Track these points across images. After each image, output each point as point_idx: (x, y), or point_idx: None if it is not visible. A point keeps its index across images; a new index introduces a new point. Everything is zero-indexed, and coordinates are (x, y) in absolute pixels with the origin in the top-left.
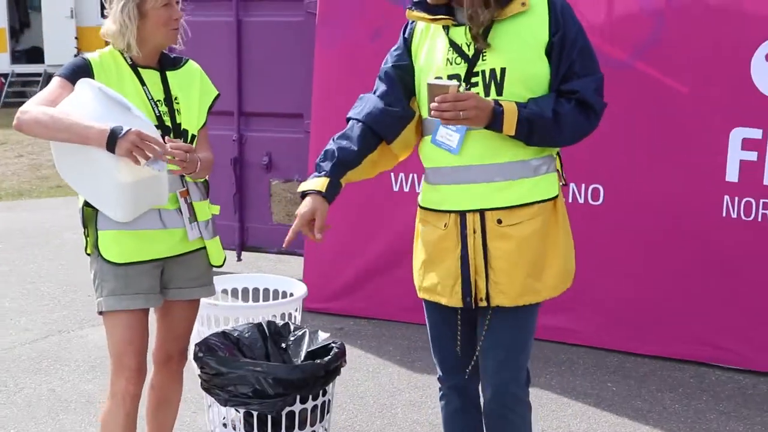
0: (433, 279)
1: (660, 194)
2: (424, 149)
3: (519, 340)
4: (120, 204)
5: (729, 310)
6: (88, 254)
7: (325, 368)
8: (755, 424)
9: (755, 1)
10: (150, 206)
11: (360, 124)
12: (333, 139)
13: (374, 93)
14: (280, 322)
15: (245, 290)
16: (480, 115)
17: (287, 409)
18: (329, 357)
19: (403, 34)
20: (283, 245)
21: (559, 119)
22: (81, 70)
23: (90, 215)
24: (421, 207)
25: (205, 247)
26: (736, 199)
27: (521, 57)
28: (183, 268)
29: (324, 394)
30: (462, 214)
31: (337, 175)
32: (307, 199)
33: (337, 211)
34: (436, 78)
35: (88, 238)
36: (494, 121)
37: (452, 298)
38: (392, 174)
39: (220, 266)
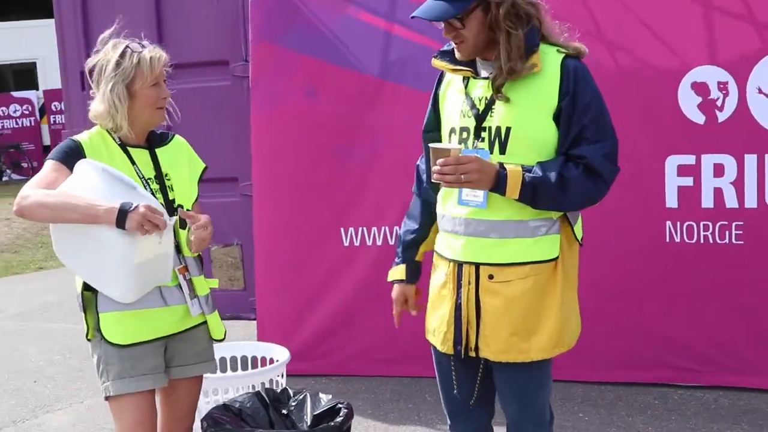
0: (433, 322)
1: (606, 223)
2: (440, 196)
3: (527, 392)
4: (125, 285)
5: (681, 331)
6: (89, 339)
7: (339, 430)
8: None
9: (679, 34)
10: (155, 285)
11: (417, 198)
12: (404, 221)
13: (423, 158)
14: (277, 388)
15: (222, 359)
16: (483, 178)
17: None
18: (341, 418)
19: (436, 88)
20: (395, 325)
21: (565, 184)
22: (73, 153)
23: (90, 299)
24: (434, 251)
25: (205, 322)
26: (678, 223)
27: (527, 118)
28: (186, 345)
29: None
30: (460, 265)
31: (411, 257)
32: (396, 287)
33: (288, 272)
34: (440, 142)
35: (88, 323)
36: (498, 185)
37: (444, 345)
38: (342, 229)
39: (221, 340)
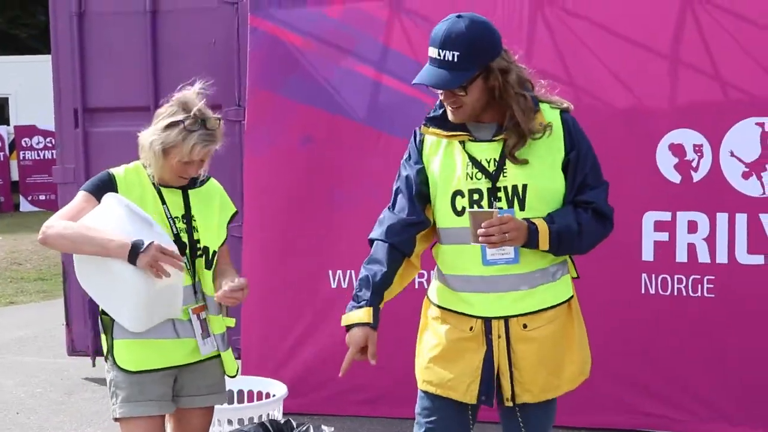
0: (446, 375)
1: (585, 272)
2: (445, 257)
3: (547, 424)
4: (134, 315)
5: (653, 378)
6: (106, 361)
7: None
8: None
9: (658, 98)
10: (163, 319)
11: (385, 244)
12: (364, 266)
13: (391, 209)
14: (281, 420)
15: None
16: (520, 235)
17: None
18: None
19: (414, 142)
20: (340, 374)
21: (582, 230)
22: (105, 186)
23: (108, 323)
24: (439, 306)
25: (219, 355)
26: (653, 276)
27: (541, 173)
28: (197, 375)
29: None
30: (487, 320)
31: (376, 302)
32: (356, 330)
33: (274, 312)
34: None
35: (105, 345)
36: (531, 239)
37: (466, 395)
38: (330, 272)
39: (234, 377)
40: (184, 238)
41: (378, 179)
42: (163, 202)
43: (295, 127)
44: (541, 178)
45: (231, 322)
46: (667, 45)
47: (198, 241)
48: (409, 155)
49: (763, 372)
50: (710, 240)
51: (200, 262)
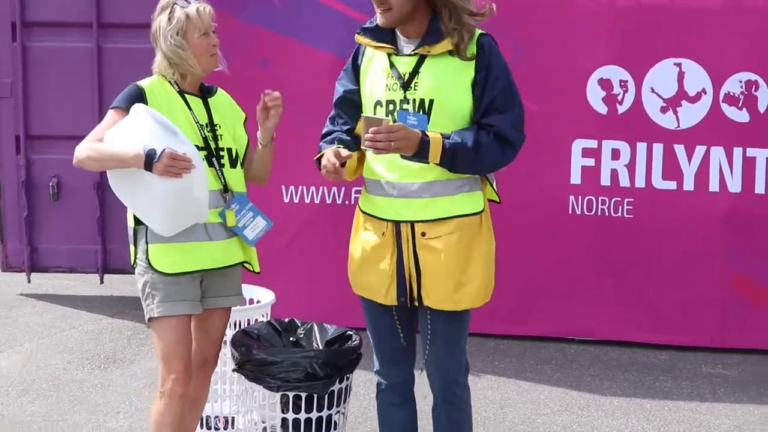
0: (369, 279)
1: (516, 196)
2: (366, 162)
3: (455, 335)
4: (163, 219)
5: (578, 291)
6: (134, 267)
7: (354, 351)
8: (621, 381)
9: (592, 37)
10: (192, 223)
11: (339, 132)
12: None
13: (331, 119)
14: (285, 319)
15: None
16: (409, 144)
17: (331, 388)
18: (356, 342)
19: (353, 60)
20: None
21: (479, 150)
22: (135, 97)
23: (140, 232)
24: (362, 211)
25: (242, 262)
26: (579, 197)
27: (449, 91)
28: (223, 279)
29: (349, 378)
30: (397, 224)
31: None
32: (328, 150)
33: None
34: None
35: (137, 254)
36: (420, 150)
37: (387, 297)
38: (283, 186)
39: (258, 273)
40: (211, 144)
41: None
42: (190, 109)
43: (252, 50)
44: (449, 95)
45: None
46: None
47: (222, 148)
48: (346, 71)
49: (668, 285)
50: (630, 166)
51: (226, 164)
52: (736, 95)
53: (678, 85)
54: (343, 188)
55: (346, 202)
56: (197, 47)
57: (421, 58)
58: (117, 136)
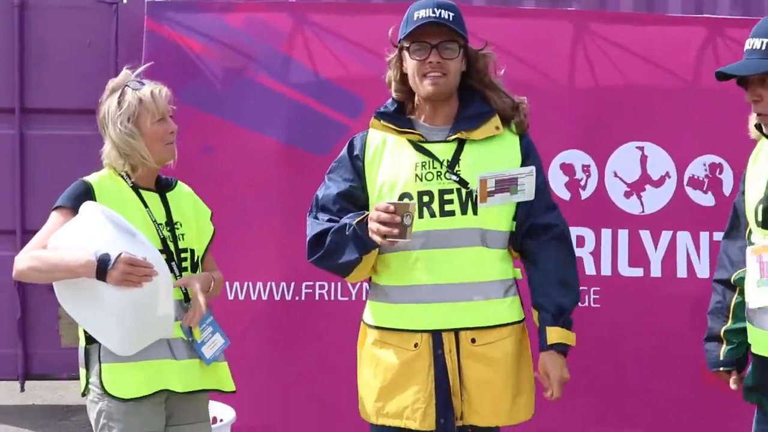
0: (399, 403)
1: None
2: (387, 267)
3: None
4: (122, 335)
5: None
6: (84, 395)
7: None
8: None
9: (553, 121)
10: (155, 338)
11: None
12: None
13: (328, 220)
14: None
15: None
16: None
17: None
18: None
19: (350, 152)
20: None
21: (566, 286)
22: (82, 195)
23: (93, 351)
24: (377, 327)
25: (207, 390)
26: None
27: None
28: (189, 404)
29: None
30: (436, 334)
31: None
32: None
33: None
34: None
35: (89, 378)
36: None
37: (425, 422)
38: (227, 283)
39: (234, 392)
40: (171, 246)
41: (278, 189)
42: (146, 206)
43: (195, 136)
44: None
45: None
46: (565, 73)
47: (184, 249)
48: (342, 166)
49: (638, 376)
50: (596, 253)
51: (188, 267)
52: (701, 178)
53: (641, 169)
54: (293, 283)
55: (297, 298)
56: (151, 135)
57: (460, 144)
58: (64, 242)
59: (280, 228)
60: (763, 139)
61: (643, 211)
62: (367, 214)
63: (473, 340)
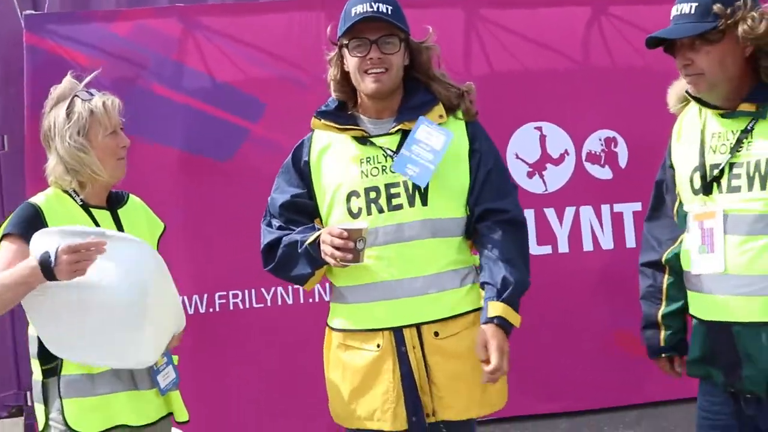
0: (369, 406)
1: None
2: (340, 268)
3: None
4: (86, 342)
5: None
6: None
7: None
8: None
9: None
10: (173, 332)
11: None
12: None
13: (279, 227)
14: None
15: None
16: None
17: None
18: None
19: (295, 158)
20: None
21: (513, 265)
22: (31, 219)
23: (52, 385)
24: (339, 330)
25: (169, 414)
26: None
27: (446, 166)
28: None
29: None
30: (397, 331)
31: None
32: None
33: None
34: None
35: (49, 414)
36: (506, 330)
37: (396, 422)
38: None
39: (186, 422)
40: None
41: (183, 200)
42: (96, 225)
43: None
44: (446, 170)
45: (175, 359)
46: (460, 61)
47: None
48: (286, 174)
49: (555, 351)
50: None
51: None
52: (598, 153)
53: (541, 149)
54: (206, 295)
55: (210, 310)
56: (103, 149)
57: (404, 135)
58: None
59: (189, 239)
60: (687, 111)
61: (546, 190)
62: (319, 235)
63: (436, 334)
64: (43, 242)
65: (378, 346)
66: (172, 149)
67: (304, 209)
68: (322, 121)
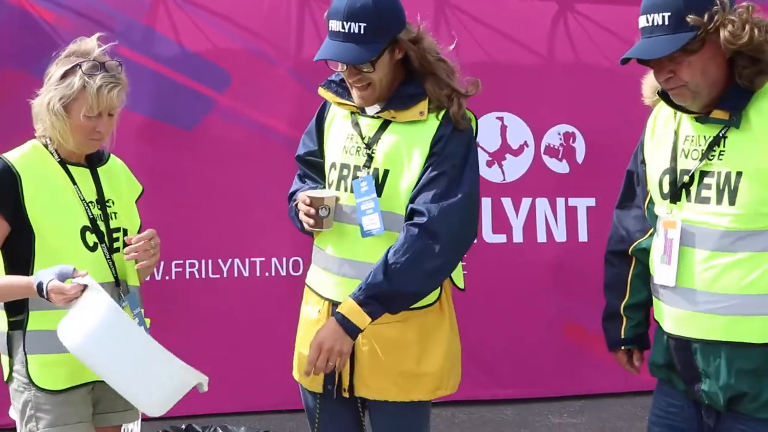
0: (302, 359)
1: None
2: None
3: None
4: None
5: None
6: (7, 382)
7: None
8: None
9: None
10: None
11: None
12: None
13: (300, 177)
14: (182, 425)
15: None
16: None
17: None
18: None
19: (317, 117)
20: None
21: (391, 275)
22: (5, 192)
23: (17, 338)
24: (306, 284)
25: None
26: None
27: (404, 164)
28: (113, 391)
29: None
30: (334, 305)
31: None
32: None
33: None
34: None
35: (13, 366)
36: (348, 328)
37: (313, 383)
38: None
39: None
40: (101, 225)
41: (147, 167)
42: (74, 183)
43: None
44: (402, 169)
45: (147, 322)
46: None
47: (116, 229)
48: (309, 130)
49: (505, 339)
50: None
51: (119, 254)
52: (556, 147)
53: (501, 139)
54: (162, 262)
55: (167, 278)
56: (76, 127)
57: (385, 123)
58: None
59: (152, 205)
60: (662, 105)
61: (504, 180)
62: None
63: None
64: (41, 273)
65: (319, 311)
66: (137, 114)
67: (314, 165)
68: (326, 90)
